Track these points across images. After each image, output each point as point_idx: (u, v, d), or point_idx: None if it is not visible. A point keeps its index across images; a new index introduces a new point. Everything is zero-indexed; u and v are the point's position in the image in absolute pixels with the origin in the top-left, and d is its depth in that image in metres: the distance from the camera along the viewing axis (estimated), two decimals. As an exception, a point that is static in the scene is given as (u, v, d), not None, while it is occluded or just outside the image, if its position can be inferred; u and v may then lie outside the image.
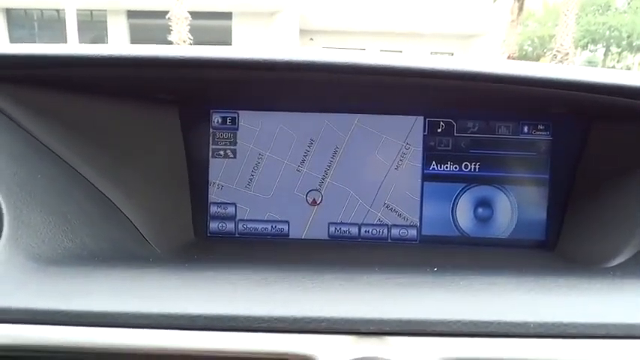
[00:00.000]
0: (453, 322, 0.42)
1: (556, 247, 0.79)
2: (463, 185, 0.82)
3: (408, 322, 0.42)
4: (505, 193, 0.81)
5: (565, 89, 0.60)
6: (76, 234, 0.57)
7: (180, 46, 0.77)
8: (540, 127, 0.80)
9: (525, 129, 0.80)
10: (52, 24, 18.20)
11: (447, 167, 0.81)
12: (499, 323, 0.42)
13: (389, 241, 0.82)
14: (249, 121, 0.82)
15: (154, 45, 0.59)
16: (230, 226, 0.83)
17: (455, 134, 0.81)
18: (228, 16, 17.11)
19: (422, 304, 0.44)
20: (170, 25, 12.87)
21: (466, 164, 0.81)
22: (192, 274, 0.51)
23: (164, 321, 0.43)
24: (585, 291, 0.47)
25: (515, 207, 0.81)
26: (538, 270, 0.63)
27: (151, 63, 0.58)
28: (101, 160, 0.68)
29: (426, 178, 0.81)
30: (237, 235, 0.83)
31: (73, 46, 0.58)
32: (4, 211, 0.50)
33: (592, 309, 0.44)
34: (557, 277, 0.51)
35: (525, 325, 0.42)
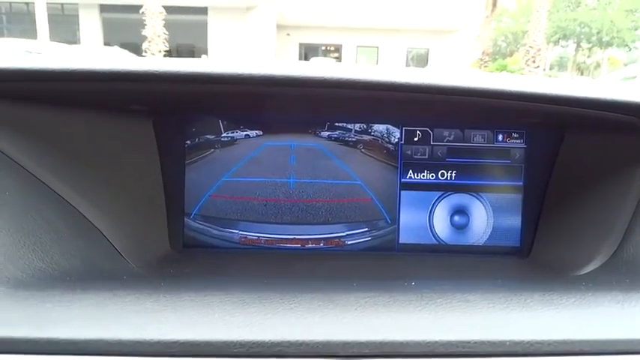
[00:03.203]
0: (431, 343, 0.42)
1: (530, 254, 0.80)
2: (440, 193, 0.82)
3: (387, 344, 0.42)
4: (481, 201, 0.82)
5: (538, 102, 0.61)
6: (47, 253, 0.56)
7: (155, 57, 0.76)
8: (515, 135, 0.81)
9: (500, 137, 0.81)
10: (21, 17, 17.73)
11: (423, 176, 0.82)
12: (475, 342, 0.43)
13: (367, 250, 0.82)
14: (224, 131, 0.81)
15: (129, 58, 0.57)
16: (206, 237, 0.82)
17: (431, 143, 0.81)
18: (203, 10, 16.92)
19: (400, 324, 0.44)
20: (144, 20, 12.66)
21: (442, 172, 0.82)
22: (167, 295, 0.50)
23: (139, 348, 0.42)
24: (559, 306, 0.48)
25: (491, 214, 0.82)
26: (513, 281, 0.64)
27: (125, 77, 0.56)
28: (73, 175, 0.66)
29: (403, 186, 0.82)
30: (212, 247, 0.82)
31: (43, 59, 0.56)
32: (-30, 233, 0.49)
33: (566, 325, 0.45)
34: (532, 290, 0.52)
35: (502, 343, 0.43)
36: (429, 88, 0.59)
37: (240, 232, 0.82)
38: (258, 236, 0.82)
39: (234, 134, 0.81)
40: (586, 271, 0.67)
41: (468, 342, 0.43)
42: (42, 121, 0.64)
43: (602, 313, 0.47)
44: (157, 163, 0.79)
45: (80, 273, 0.57)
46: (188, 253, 0.81)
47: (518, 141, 0.81)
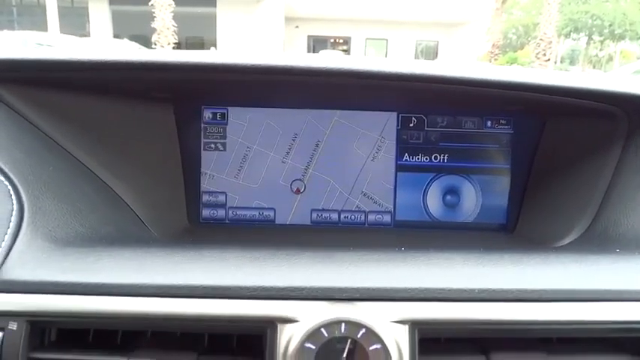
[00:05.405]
0: (411, 290, 0.51)
1: (515, 230, 0.88)
2: (433, 175, 0.90)
3: (375, 289, 0.51)
4: (470, 182, 0.90)
5: (521, 91, 0.69)
6: (86, 219, 0.65)
7: (175, 50, 0.84)
8: (502, 121, 0.89)
9: (489, 123, 0.89)
10: (31, 10, 17.88)
11: (418, 158, 0.90)
12: (450, 290, 0.51)
13: (366, 225, 0.90)
14: (238, 117, 0.89)
15: (152, 50, 0.66)
16: (220, 213, 0.91)
17: (426, 128, 0.89)
18: (212, 2, 16.95)
19: (387, 275, 0.53)
20: (153, 12, 12.75)
21: (436, 155, 0.90)
22: (190, 252, 0.58)
23: (168, 290, 0.51)
24: (524, 264, 0.56)
25: (480, 194, 0.90)
26: (492, 248, 0.72)
27: (149, 67, 0.65)
28: (104, 154, 0.75)
29: (400, 168, 0.90)
30: (227, 222, 0.90)
31: (80, 51, 0.64)
32: (25, 199, 0.58)
33: (528, 278, 0.53)
34: (504, 253, 0.60)
35: (471, 291, 0.51)
36: (423, 78, 0.66)
37: (252, 209, 0.90)
38: (266, 213, 0.91)
39: (247, 120, 0.89)
40: (564, 243, 0.75)
41: (443, 289, 0.51)
42: (78, 107, 0.73)
43: (560, 270, 0.55)
44: (176, 146, 0.88)
45: (114, 237, 0.66)
46: (204, 226, 0.89)
47: (506, 127, 0.89)
